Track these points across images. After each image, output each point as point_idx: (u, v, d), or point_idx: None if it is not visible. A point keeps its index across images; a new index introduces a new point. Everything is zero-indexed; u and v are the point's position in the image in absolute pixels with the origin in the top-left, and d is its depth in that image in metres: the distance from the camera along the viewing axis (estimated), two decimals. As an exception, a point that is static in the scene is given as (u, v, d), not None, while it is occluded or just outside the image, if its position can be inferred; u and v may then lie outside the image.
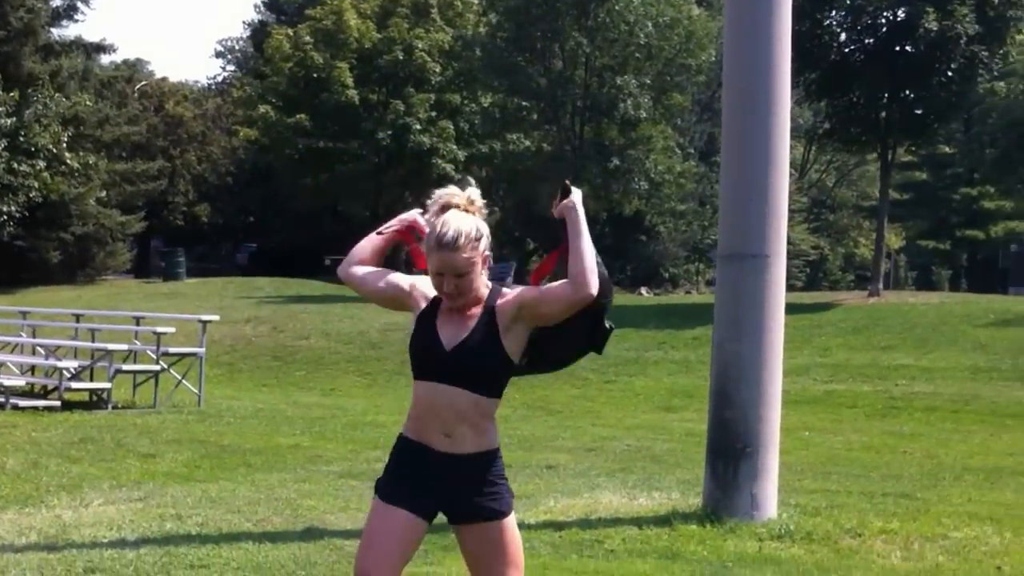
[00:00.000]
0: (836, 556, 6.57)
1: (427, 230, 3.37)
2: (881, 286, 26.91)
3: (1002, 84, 35.58)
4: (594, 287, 3.25)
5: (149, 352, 14.35)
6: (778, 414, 7.55)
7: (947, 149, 45.60)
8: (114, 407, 13.71)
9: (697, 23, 35.59)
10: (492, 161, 41.17)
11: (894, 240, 54.37)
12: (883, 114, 25.49)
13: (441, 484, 3.41)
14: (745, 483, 7.32)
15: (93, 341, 15.19)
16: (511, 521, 3.46)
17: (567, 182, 3.37)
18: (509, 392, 3.47)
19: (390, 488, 3.42)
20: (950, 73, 24.52)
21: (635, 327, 21.38)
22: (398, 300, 3.54)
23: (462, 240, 3.27)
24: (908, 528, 7.19)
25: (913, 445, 12.10)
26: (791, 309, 21.83)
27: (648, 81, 35.52)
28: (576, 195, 3.34)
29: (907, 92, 24.86)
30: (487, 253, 3.36)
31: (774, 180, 7.37)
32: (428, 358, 3.36)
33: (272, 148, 41.60)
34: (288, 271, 39.36)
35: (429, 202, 3.39)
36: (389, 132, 39.05)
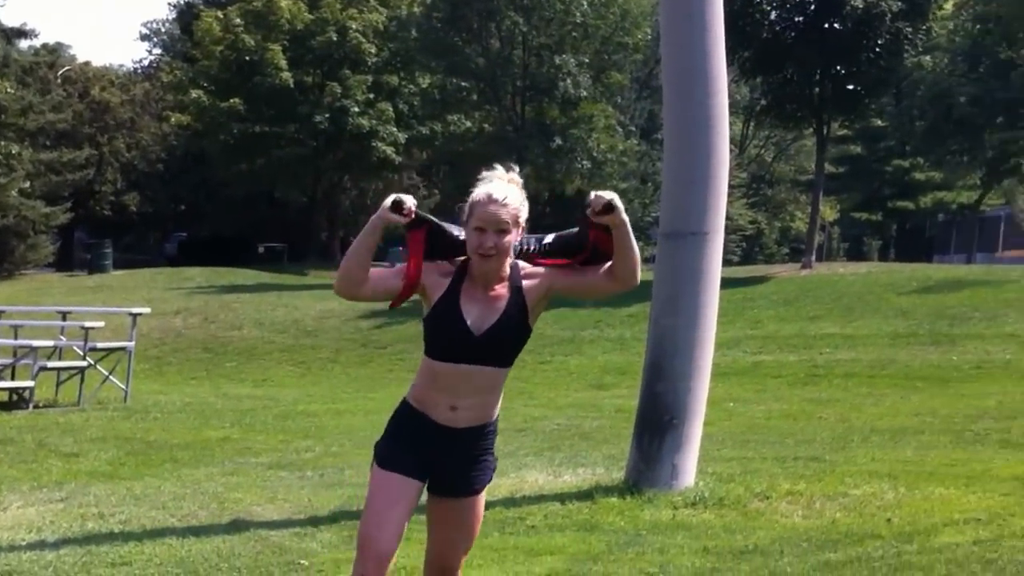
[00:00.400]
0: (744, 518, 6.82)
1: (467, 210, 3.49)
2: (814, 258, 27.49)
3: (928, 58, 36.40)
4: (637, 281, 3.56)
5: (75, 348, 14.04)
6: (706, 386, 7.79)
7: (880, 122, 46.46)
8: (35, 406, 13.33)
9: (631, 1, 35.75)
10: (433, 143, 41.18)
11: (829, 212, 55.35)
12: (816, 90, 26.05)
13: (434, 453, 3.57)
14: (668, 455, 7.54)
15: (16, 338, 14.76)
16: (482, 497, 3.70)
17: (611, 200, 3.43)
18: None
19: (389, 453, 3.58)
20: (877, 49, 25.08)
21: (572, 307, 21.55)
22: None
23: (510, 198, 3.44)
24: (813, 489, 7.45)
25: (829, 410, 12.36)
26: (726, 284, 22.13)
27: (586, 60, 35.77)
28: (620, 208, 3.44)
29: (838, 68, 25.40)
30: (523, 226, 3.51)
31: (715, 160, 7.56)
32: (457, 343, 3.46)
33: (205, 133, 41.20)
34: (220, 260, 38.84)
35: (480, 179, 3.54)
36: (326, 115, 38.88)
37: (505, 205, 3.42)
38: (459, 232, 3.54)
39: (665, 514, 6.97)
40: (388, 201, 3.48)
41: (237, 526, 6.79)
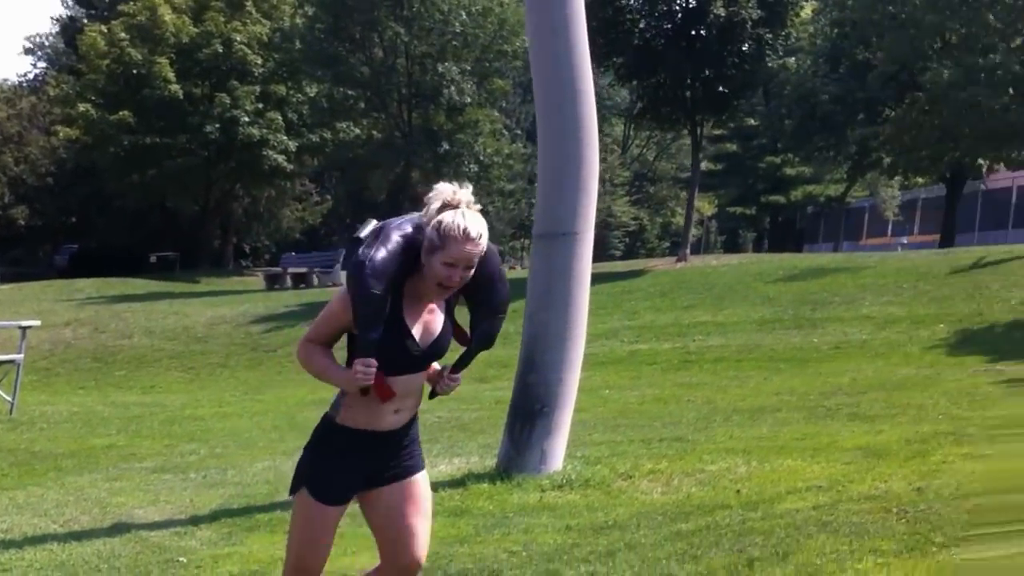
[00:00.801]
0: (606, 497, 7.15)
1: (429, 240, 3.44)
2: (689, 251, 28.25)
3: (792, 60, 37.66)
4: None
5: (-39, 364, 13.78)
6: (577, 376, 8.16)
7: (753, 122, 47.78)
8: (-86, 424, 12.95)
9: (508, 10, 36.34)
10: (324, 150, 41.40)
11: (707, 207, 56.59)
12: (688, 93, 26.76)
13: (376, 461, 3.59)
14: (538, 441, 7.90)
15: (-101, 356, 14.39)
16: (426, 474, 3.78)
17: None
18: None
19: (329, 486, 3.57)
20: (741, 54, 26.03)
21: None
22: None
23: (483, 236, 3.45)
24: (673, 467, 7.80)
25: (697, 394, 12.63)
26: (606, 277, 22.77)
27: (468, 67, 36.36)
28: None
29: (707, 72, 26.17)
30: None
31: (584, 166, 7.99)
32: (405, 360, 3.50)
33: (95, 146, 40.68)
34: (111, 271, 38.05)
35: (429, 197, 3.50)
36: (217, 125, 38.89)
37: (479, 244, 3.43)
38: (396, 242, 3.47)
39: (533, 497, 7.28)
40: (357, 388, 3.47)
41: (118, 529, 6.91)
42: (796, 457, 7.86)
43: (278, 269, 34.91)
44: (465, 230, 3.39)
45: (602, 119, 57.06)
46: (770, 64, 28.60)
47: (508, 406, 8.20)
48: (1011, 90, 27.31)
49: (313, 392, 14.56)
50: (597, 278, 8.50)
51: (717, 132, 46.10)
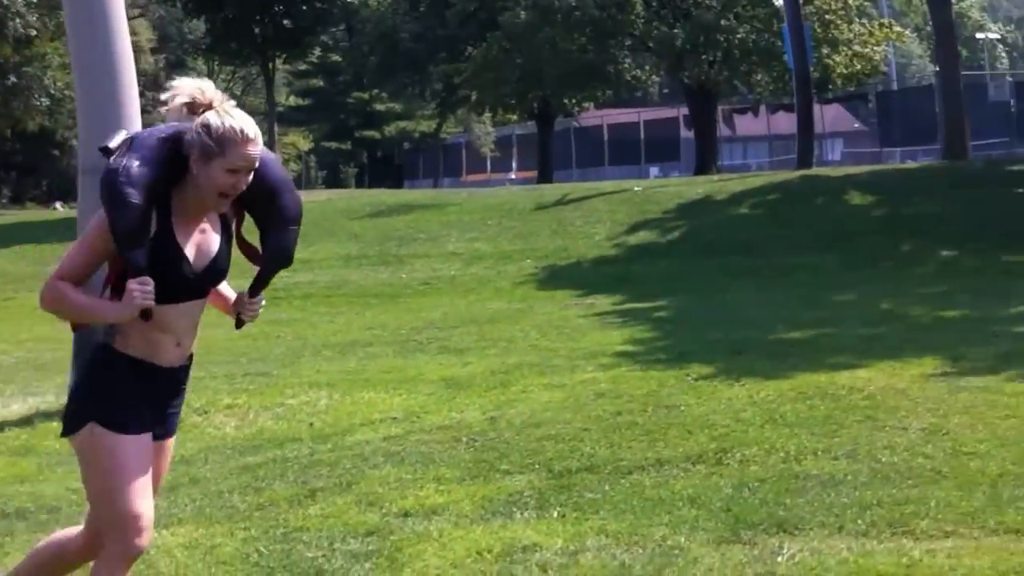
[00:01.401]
0: (178, 433, 7.11)
1: (192, 142, 3.05)
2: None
3: (372, -1, 38.15)
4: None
5: None
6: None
7: (337, 58, 47.81)
8: None
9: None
10: None
11: (303, 143, 56.31)
12: (257, 29, 26.50)
13: (162, 399, 3.26)
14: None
15: None
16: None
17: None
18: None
19: (124, 414, 3.13)
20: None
21: (34, 242, 20.63)
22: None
23: (259, 132, 3.10)
24: (252, 401, 7.90)
25: (287, 330, 12.72)
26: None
27: (35, 0, 34.43)
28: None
29: (276, 8, 26.05)
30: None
31: (124, 102, 7.84)
32: (180, 284, 3.13)
33: None
34: None
35: (169, 95, 3.11)
36: None
37: (259, 143, 3.09)
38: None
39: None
40: (136, 313, 3.08)
41: None
42: (379, 390, 8.12)
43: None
44: (243, 131, 3.02)
45: (184, 53, 55.56)
46: (344, 1, 28.78)
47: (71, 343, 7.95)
48: (588, 31, 28.82)
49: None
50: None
51: (303, 67, 45.88)
